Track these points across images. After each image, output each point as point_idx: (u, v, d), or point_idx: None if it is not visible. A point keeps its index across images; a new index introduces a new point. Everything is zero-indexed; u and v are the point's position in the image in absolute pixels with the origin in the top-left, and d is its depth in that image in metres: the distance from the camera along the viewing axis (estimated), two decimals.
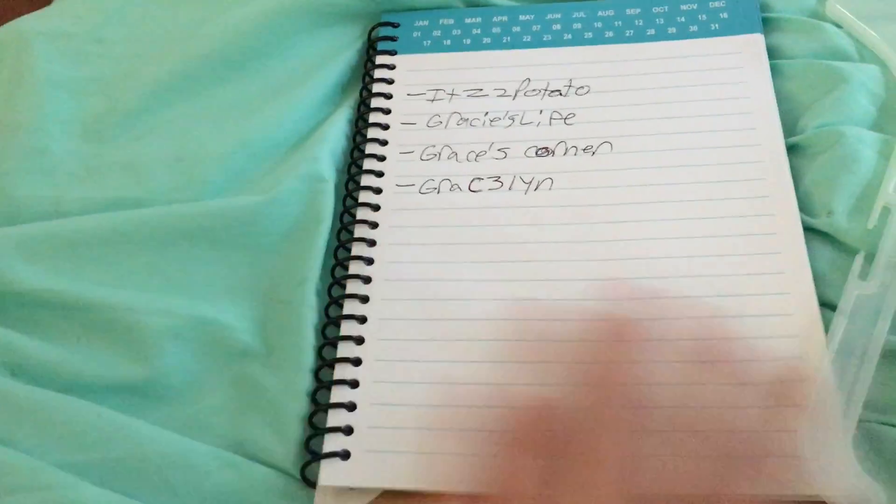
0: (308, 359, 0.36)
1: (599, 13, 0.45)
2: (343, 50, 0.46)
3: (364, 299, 0.37)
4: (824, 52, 0.42)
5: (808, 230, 0.37)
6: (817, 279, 0.35)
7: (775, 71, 0.42)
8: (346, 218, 0.40)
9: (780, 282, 0.35)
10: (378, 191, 0.40)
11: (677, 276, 0.36)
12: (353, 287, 0.38)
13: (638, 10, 0.45)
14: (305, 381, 0.35)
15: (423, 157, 0.41)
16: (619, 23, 0.44)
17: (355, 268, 0.38)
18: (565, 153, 0.41)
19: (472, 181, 0.40)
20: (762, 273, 0.36)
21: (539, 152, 0.41)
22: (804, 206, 0.37)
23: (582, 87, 0.43)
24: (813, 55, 0.42)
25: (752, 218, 0.37)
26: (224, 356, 0.36)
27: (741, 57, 0.42)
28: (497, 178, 0.40)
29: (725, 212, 0.37)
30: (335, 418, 0.34)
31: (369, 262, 0.38)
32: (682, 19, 0.44)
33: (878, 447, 0.31)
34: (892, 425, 0.32)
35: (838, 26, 0.42)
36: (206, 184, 0.41)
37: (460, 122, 0.42)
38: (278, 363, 0.36)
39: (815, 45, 0.42)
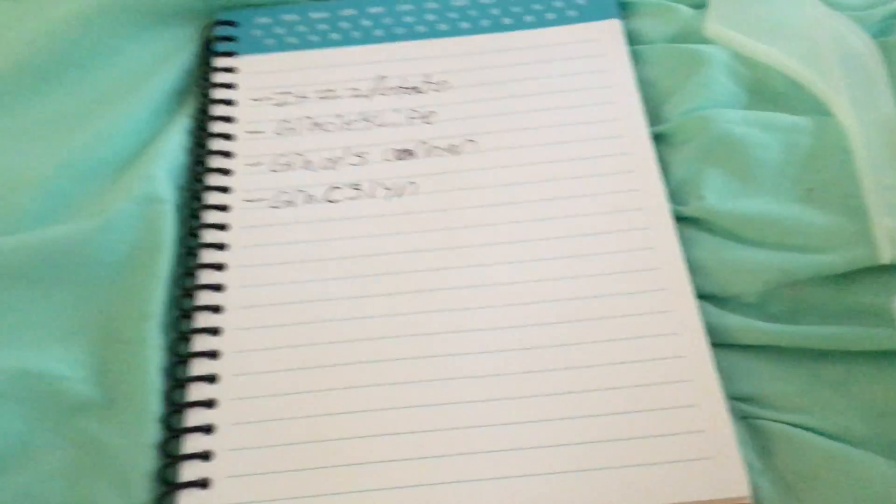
0: (154, 406, 0.31)
1: (453, 3, 0.43)
2: (175, 53, 0.41)
3: (215, 331, 0.33)
4: (682, 35, 0.41)
5: (682, 220, 0.35)
6: (694, 270, 0.34)
7: (635, 57, 0.40)
8: (191, 241, 0.36)
9: (654, 278, 0.34)
10: (225, 208, 0.37)
11: (548, 279, 0.34)
12: (202, 319, 0.34)
13: (493, 0, 0.42)
14: (152, 432, 0.31)
15: (273, 168, 0.38)
16: (475, 12, 0.42)
17: (204, 297, 0.34)
18: (428, 154, 0.38)
19: (329, 191, 0.37)
20: (636, 270, 0.34)
21: (400, 155, 0.38)
22: (675, 197, 0.36)
23: (440, 82, 0.40)
24: (671, 38, 0.41)
25: (621, 213, 0.36)
26: (57, 412, 0.32)
27: (600, 44, 0.41)
28: (356, 186, 0.37)
29: (594, 208, 0.36)
30: (190, 471, 0.30)
31: (219, 288, 0.34)
32: (539, 6, 0.42)
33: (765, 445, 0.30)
34: (780, 421, 0.31)
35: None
36: (23, 213, 0.36)
37: (312, 127, 0.39)
38: (120, 414, 0.31)
39: (673, 28, 0.41)
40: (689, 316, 0.33)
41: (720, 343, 0.32)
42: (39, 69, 0.40)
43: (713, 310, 0.33)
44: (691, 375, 0.31)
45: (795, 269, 0.33)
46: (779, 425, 0.30)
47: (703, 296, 0.33)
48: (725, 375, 0.31)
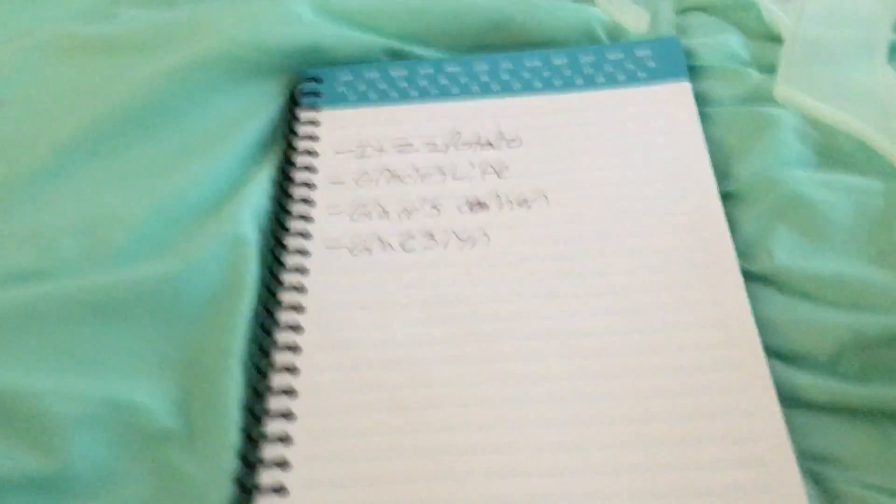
0: (232, 438, 0.33)
1: (526, 63, 0.44)
2: (264, 106, 0.43)
3: (293, 370, 0.35)
4: (751, 98, 0.42)
5: (751, 277, 0.36)
6: (764, 327, 0.34)
7: (704, 118, 0.41)
8: (272, 283, 0.37)
9: (723, 334, 0.34)
10: (305, 252, 0.38)
11: (617, 332, 0.34)
12: (280, 358, 0.35)
13: (565, 61, 0.44)
14: (230, 464, 0.32)
15: (352, 217, 0.39)
16: (548, 73, 0.44)
17: (283, 337, 0.36)
18: (500, 207, 0.39)
19: (404, 240, 0.38)
20: (704, 325, 0.34)
21: (473, 207, 0.39)
22: (744, 255, 0.36)
23: (513, 138, 0.42)
24: (739, 101, 0.42)
25: (689, 269, 0.36)
26: (141, 442, 0.33)
27: (670, 105, 0.42)
28: (431, 236, 0.38)
29: (662, 264, 0.36)
30: (264, 503, 0.31)
31: (298, 329, 0.36)
32: (610, 68, 0.44)
33: None
34: (852, 483, 0.30)
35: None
36: (117, 252, 0.38)
37: (390, 178, 0.41)
38: (201, 445, 0.33)
39: (742, 90, 0.42)
40: (758, 372, 0.33)
41: (790, 401, 0.32)
42: (138, 118, 0.42)
43: (782, 368, 0.33)
44: (761, 432, 0.31)
45: (868, 330, 0.33)
46: (852, 487, 0.30)
47: (772, 353, 0.34)
48: (796, 434, 0.31)
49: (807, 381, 0.33)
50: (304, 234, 0.39)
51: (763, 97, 0.42)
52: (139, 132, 0.42)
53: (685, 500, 0.30)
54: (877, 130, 0.39)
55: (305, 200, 0.40)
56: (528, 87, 0.43)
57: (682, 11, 0.46)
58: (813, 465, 0.31)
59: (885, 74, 0.41)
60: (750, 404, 0.32)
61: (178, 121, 0.43)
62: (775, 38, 0.44)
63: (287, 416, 0.33)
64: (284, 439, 0.33)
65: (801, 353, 0.34)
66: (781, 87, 0.41)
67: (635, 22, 0.45)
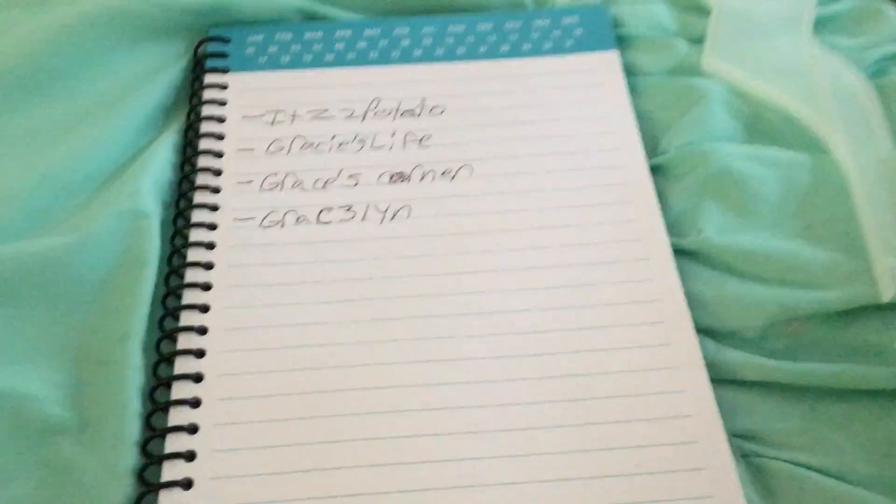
0: (132, 430, 0.30)
1: (450, 28, 0.42)
2: (165, 68, 0.40)
3: (199, 354, 0.32)
4: (679, 69, 0.41)
5: (680, 253, 0.35)
6: (693, 303, 0.33)
7: (632, 89, 0.40)
8: (176, 259, 0.34)
9: (653, 311, 0.33)
10: (213, 227, 0.35)
11: (543, 309, 0.33)
12: (185, 341, 0.32)
13: (490, 26, 0.42)
14: (130, 458, 0.29)
15: (263, 187, 0.37)
16: (472, 39, 0.42)
17: (188, 318, 0.33)
18: (422, 178, 0.37)
19: (320, 212, 0.36)
20: (634, 302, 0.33)
21: (393, 178, 0.37)
22: (673, 230, 0.36)
23: (436, 106, 0.39)
24: (667, 72, 0.41)
25: (619, 243, 0.35)
26: (27, 435, 0.30)
27: (598, 75, 0.41)
28: (349, 208, 0.36)
29: (591, 238, 0.35)
30: (168, 499, 0.29)
31: (204, 309, 0.33)
32: (536, 36, 0.42)
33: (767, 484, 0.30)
34: (781, 460, 0.30)
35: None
36: (1, 227, 0.34)
37: (304, 146, 0.38)
38: (96, 438, 0.30)
39: (670, 61, 0.41)
40: (689, 350, 0.32)
41: (720, 378, 0.32)
42: (23, 80, 0.39)
43: (712, 344, 0.33)
44: (692, 411, 0.31)
45: (796, 306, 0.33)
46: (780, 463, 0.30)
47: (702, 330, 0.33)
48: (725, 412, 0.31)
49: (736, 358, 0.32)
50: (211, 207, 0.36)
51: (691, 69, 0.41)
52: (25, 97, 0.38)
53: (616, 480, 0.29)
54: (803, 104, 0.38)
55: (212, 170, 0.37)
56: (451, 54, 0.41)
57: None
58: (742, 444, 0.30)
59: (810, 47, 0.40)
60: (681, 382, 0.31)
61: (70, 83, 0.39)
62: (703, 9, 0.43)
63: (193, 403, 0.31)
64: (190, 429, 0.30)
65: (730, 329, 0.33)
66: (709, 59, 0.40)
67: None
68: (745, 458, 0.30)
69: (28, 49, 0.39)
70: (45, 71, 0.39)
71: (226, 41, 0.41)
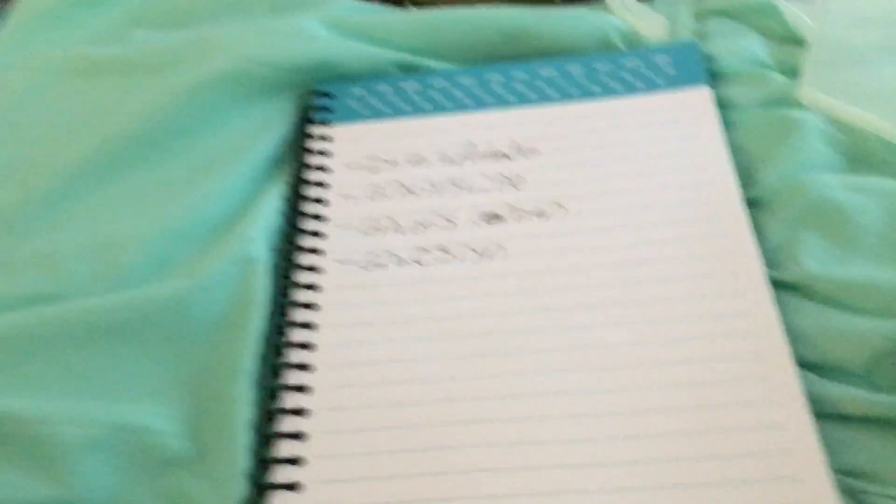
0: (241, 462, 0.32)
1: (541, 73, 0.43)
2: (275, 123, 0.43)
3: (304, 389, 0.34)
4: (772, 101, 0.41)
5: (780, 286, 0.34)
6: (794, 337, 0.33)
7: (726, 123, 0.40)
8: (282, 300, 0.36)
9: (750, 344, 0.33)
10: (316, 269, 0.37)
11: (641, 344, 0.33)
12: (291, 377, 0.34)
13: (581, 69, 0.43)
14: (240, 488, 0.31)
15: (365, 232, 0.38)
16: (563, 82, 0.43)
17: (294, 355, 0.35)
18: (516, 218, 0.38)
19: (419, 254, 0.37)
20: (730, 335, 0.33)
21: (488, 219, 0.38)
22: (771, 263, 0.35)
23: (529, 149, 0.41)
24: (762, 105, 0.41)
25: (714, 277, 0.35)
26: (150, 466, 0.32)
27: (690, 111, 0.41)
28: (445, 249, 0.37)
29: (686, 273, 0.35)
30: None
31: (309, 347, 0.35)
32: (627, 76, 0.42)
33: None
34: (889, 497, 0.29)
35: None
36: (128, 272, 0.37)
37: (403, 192, 0.40)
38: (210, 469, 0.32)
39: (765, 94, 0.41)
40: (789, 384, 0.31)
41: (825, 414, 0.31)
42: (147, 139, 0.42)
43: (816, 379, 0.32)
44: (793, 447, 0.30)
45: None
46: (889, 501, 0.29)
47: (805, 364, 0.32)
48: (830, 448, 0.30)
49: (841, 393, 0.31)
50: (316, 251, 0.38)
51: (787, 101, 0.40)
52: (151, 153, 0.42)
53: None
54: None
55: (316, 216, 0.39)
56: (543, 98, 0.42)
57: (702, 16, 0.45)
58: (848, 481, 0.29)
59: None
60: (781, 418, 0.31)
61: (190, 140, 0.42)
62: (797, 41, 0.42)
63: (298, 436, 0.32)
64: (295, 461, 0.32)
65: (833, 363, 0.32)
66: (806, 90, 0.40)
67: (653, 28, 0.44)
68: (851, 496, 0.29)
69: (154, 110, 0.43)
70: (167, 130, 0.42)
71: (330, 95, 0.44)
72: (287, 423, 0.33)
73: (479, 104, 0.43)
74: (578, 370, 0.33)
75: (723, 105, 0.41)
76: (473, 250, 0.37)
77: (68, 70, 0.46)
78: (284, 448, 0.32)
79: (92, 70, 0.46)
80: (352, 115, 0.43)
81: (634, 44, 0.44)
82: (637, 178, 0.39)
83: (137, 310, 0.36)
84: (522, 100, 0.42)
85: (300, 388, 0.34)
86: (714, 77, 0.42)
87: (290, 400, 0.33)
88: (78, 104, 0.45)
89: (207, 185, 0.40)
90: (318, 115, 0.43)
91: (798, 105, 0.40)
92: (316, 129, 0.43)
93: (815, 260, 0.34)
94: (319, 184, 0.41)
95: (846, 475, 0.30)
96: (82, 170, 0.41)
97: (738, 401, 0.31)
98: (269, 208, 0.39)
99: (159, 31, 0.49)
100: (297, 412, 0.33)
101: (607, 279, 0.35)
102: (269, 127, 0.43)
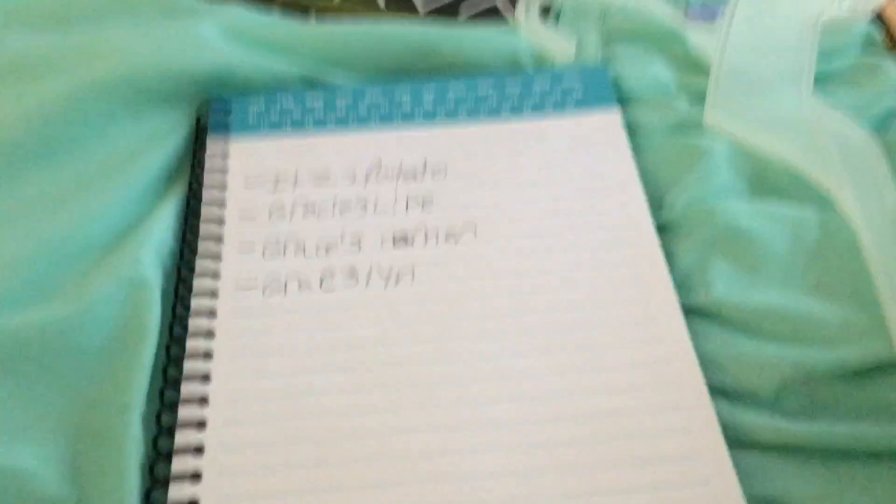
0: None
1: (451, 91, 0.42)
2: (166, 135, 0.40)
3: (200, 425, 0.31)
4: (679, 125, 0.41)
5: (690, 311, 0.34)
6: (705, 363, 0.33)
7: (634, 148, 0.40)
8: (177, 329, 0.34)
9: (664, 372, 0.32)
10: (214, 293, 0.35)
11: (552, 372, 0.32)
12: (186, 412, 0.31)
13: (491, 89, 0.42)
14: None
15: (265, 254, 0.36)
16: (473, 101, 0.42)
17: (189, 388, 0.32)
18: (426, 241, 0.37)
19: (323, 278, 0.35)
20: (644, 363, 0.33)
21: (397, 241, 0.37)
22: (682, 288, 0.35)
23: (438, 169, 0.39)
24: (669, 130, 0.41)
25: (627, 303, 0.34)
26: None
27: (600, 133, 0.41)
28: (352, 273, 0.36)
29: (597, 298, 0.35)
30: None
31: (206, 379, 0.32)
32: (537, 97, 0.42)
33: None
34: None
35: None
36: (1, 296, 0.34)
37: (307, 211, 0.38)
38: None
39: (671, 119, 0.41)
40: (703, 412, 0.31)
41: (736, 441, 0.31)
42: (27, 148, 0.39)
43: (727, 406, 0.32)
44: (708, 476, 0.30)
45: (811, 364, 0.32)
46: None
47: (715, 390, 0.32)
48: (744, 475, 0.30)
49: (752, 420, 0.31)
50: (213, 274, 0.35)
51: (693, 126, 0.41)
52: (27, 164, 0.38)
53: None
54: (808, 159, 0.38)
55: (214, 237, 0.37)
56: (452, 116, 0.41)
57: (608, 40, 0.45)
58: None
59: (811, 104, 0.40)
60: (696, 446, 0.30)
61: (72, 152, 0.39)
62: (702, 67, 0.43)
63: (194, 477, 0.30)
64: None
65: (744, 389, 0.32)
66: (711, 116, 0.40)
67: (561, 51, 0.44)
68: None
69: (32, 118, 0.39)
70: (48, 140, 0.39)
71: (227, 107, 0.41)
72: (181, 463, 0.30)
73: (386, 121, 0.41)
74: (488, 399, 0.32)
75: (630, 128, 0.41)
76: (380, 274, 0.36)
77: None
78: (178, 490, 0.29)
79: None
80: (251, 129, 0.41)
81: (543, 65, 0.44)
82: (549, 200, 0.38)
83: (12, 340, 0.32)
84: (431, 117, 0.41)
85: (196, 424, 0.31)
86: (621, 101, 0.42)
87: (185, 437, 0.31)
88: None
89: (90, 200, 0.37)
90: (214, 129, 0.41)
91: (704, 130, 0.40)
92: (212, 144, 0.40)
93: (724, 285, 0.35)
94: (216, 202, 0.38)
95: (761, 502, 0.29)
96: None
97: (653, 429, 0.31)
98: (161, 227, 0.37)
99: (35, 32, 0.45)
100: (193, 449, 0.30)
101: (518, 305, 0.35)
102: (159, 139, 0.40)
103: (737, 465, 0.30)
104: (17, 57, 0.43)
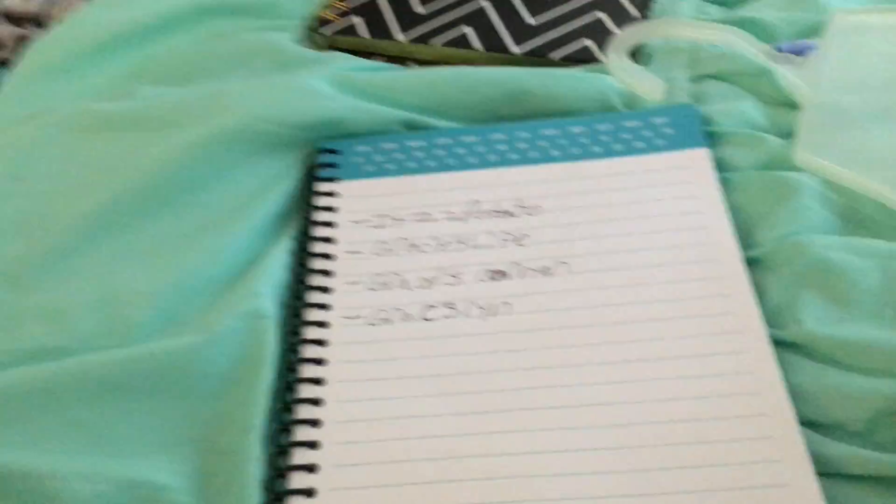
0: None
1: (544, 132, 0.44)
2: (281, 179, 0.44)
3: (313, 445, 0.34)
4: (771, 163, 0.42)
5: (780, 345, 0.35)
6: (795, 396, 0.33)
7: (724, 184, 0.41)
8: (291, 356, 0.37)
9: (754, 403, 0.33)
10: (324, 324, 0.38)
11: (644, 402, 0.34)
12: (301, 433, 0.34)
13: (583, 129, 0.44)
14: None
15: (371, 287, 0.39)
16: (565, 142, 0.44)
17: (303, 411, 0.35)
18: (521, 275, 0.39)
19: (425, 310, 0.38)
20: (734, 394, 0.34)
21: (494, 276, 0.39)
22: (772, 322, 0.36)
23: (532, 206, 0.41)
24: (759, 167, 0.42)
25: (717, 336, 0.35)
26: None
27: (690, 171, 0.42)
28: (451, 305, 0.38)
29: (688, 331, 0.36)
30: None
31: (317, 403, 0.35)
32: (628, 136, 0.44)
33: None
34: None
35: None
36: (136, 327, 0.37)
37: (409, 248, 0.40)
38: None
39: (761, 156, 0.42)
40: (792, 442, 0.32)
41: (826, 472, 0.31)
42: (155, 193, 0.43)
43: (817, 438, 0.32)
44: None
45: None
46: None
47: (805, 423, 0.33)
48: None
49: (842, 452, 0.32)
50: (323, 306, 0.38)
51: (783, 163, 0.41)
52: (158, 208, 0.42)
53: None
54: None
55: (323, 272, 0.40)
56: (545, 157, 0.43)
57: (697, 79, 0.47)
58: None
59: None
60: (786, 477, 0.31)
61: (198, 196, 0.43)
62: (791, 104, 0.44)
63: (308, 493, 0.32)
64: None
65: (834, 422, 0.33)
66: (801, 152, 0.41)
67: (651, 90, 0.46)
68: None
69: (162, 165, 0.43)
70: (175, 185, 0.43)
71: (336, 152, 0.45)
72: (297, 480, 0.33)
73: (483, 162, 0.44)
74: (582, 427, 0.33)
75: (720, 166, 0.42)
76: (479, 307, 0.38)
77: (75, 124, 0.47)
78: None
79: (99, 125, 0.47)
80: (357, 173, 0.44)
81: (633, 105, 0.46)
82: (639, 236, 0.39)
83: (146, 365, 0.36)
84: (525, 158, 0.43)
85: (309, 444, 0.34)
86: (711, 139, 0.43)
87: (300, 456, 0.33)
88: (85, 159, 0.45)
89: (215, 240, 0.41)
90: (323, 172, 0.44)
91: (794, 167, 0.41)
92: (322, 186, 0.43)
93: (814, 319, 0.35)
94: (325, 239, 0.41)
95: None
96: (90, 224, 0.42)
97: (744, 461, 0.32)
98: (276, 263, 0.40)
99: (163, 86, 0.50)
100: (307, 468, 0.33)
101: (611, 337, 0.36)
102: (275, 183, 0.43)
103: (827, 495, 0.30)
104: (150, 108, 0.48)
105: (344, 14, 0.53)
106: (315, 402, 0.35)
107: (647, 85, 0.46)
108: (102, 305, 0.38)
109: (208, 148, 0.44)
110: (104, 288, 0.39)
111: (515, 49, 0.50)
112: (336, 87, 0.47)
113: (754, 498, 0.31)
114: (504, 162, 0.43)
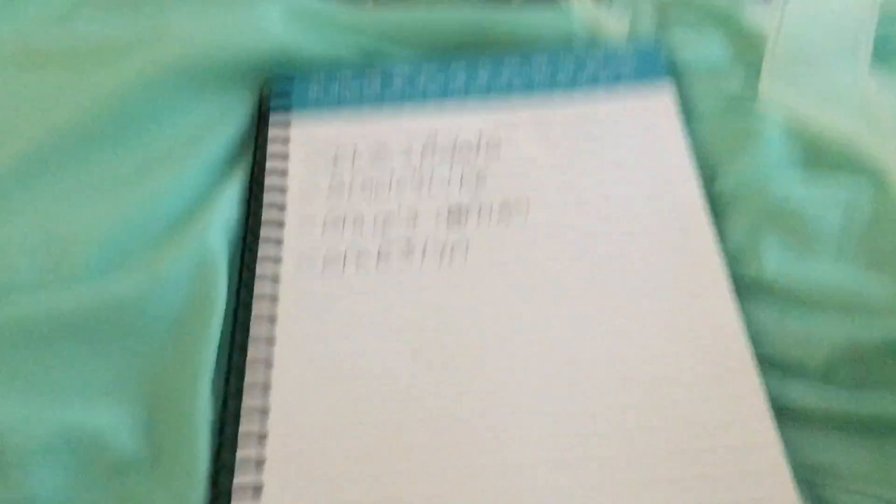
0: (202, 464, 0.31)
1: (506, 68, 0.43)
2: (232, 114, 0.42)
3: (266, 387, 0.33)
4: (735, 98, 0.41)
5: (740, 285, 0.35)
6: (755, 336, 0.33)
7: (687, 121, 0.40)
8: (243, 294, 0.36)
9: (712, 343, 0.33)
10: (277, 260, 0.36)
11: (601, 343, 0.33)
12: (252, 375, 0.33)
13: (545, 65, 0.43)
14: (200, 492, 0.30)
15: (325, 223, 0.38)
16: (527, 77, 0.42)
17: (255, 351, 0.34)
18: (480, 216, 0.38)
19: (380, 248, 0.37)
20: (692, 333, 0.33)
21: (452, 216, 0.38)
22: (732, 262, 0.35)
23: (493, 144, 0.40)
24: (724, 102, 0.41)
25: (676, 276, 0.35)
26: (104, 470, 0.31)
27: (652, 107, 0.41)
28: (408, 245, 0.37)
29: (647, 271, 0.35)
30: None
31: (271, 342, 0.34)
32: (591, 73, 0.42)
33: None
34: (850, 491, 0.29)
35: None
36: (78, 267, 0.36)
37: (365, 186, 0.39)
38: (168, 473, 0.31)
39: (725, 91, 0.41)
40: (748, 382, 0.32)
41: (784, 412, 0.31)
42: (100, 129, 0.40)
43: (776, 377, 0.32)
44: (753, 443, 0.30)
45: (862, 338, 0.32)
46: (848, 496, 0.29)
47: (764, 362, 0.32)
48: (791, 445, 0.30)
49: (800, 392, 0.32)
50: (276, 241, 0.37)
51: (748, 99, 0.41)
52: (101, 144, 0.40)
53: None
54: (864, 132, 0.38)
55: (276, 206, 0.38)
56: (506, 93, 0.42)
57: (663, 15, 0.45)
58: (809, 476, 0.30)
59: (868, 76, 0.40)
60: (742, 416, 0.31)
61: (143, 132, 0.41)
62: (758, 42, 0.43)
63: (260, 437, 0.32)
64: (257, 462, 0.31)
65: (794, 362, 0.33)
66: (766, 87, 0.40)
67: (615, 26, 0.44)
68: (811, 491, 0.30)
69: (103, 101, 0.41)
70: (121, 120, 0.41)
71: (289, 83, 0.43)
72: (249, 424, 0.32)
73: (442, 97, 0.42)
74: (541, 373, 0.33)
75: (684, 101, 0.41)
76: (436, 249, 0.37)
77: (9, 59, 0.44)
78: (246, 450, 0.31)
79: (37, 59, 0.44)
80: (311, 106, 0.42)
81: (597, 41, 0.44)
82: (600, 173, 0.39)
83: (90, 308, 0.34)
84: (485, 94, 0.42)
85: (262, 386, 0.33)
86: (676, 73, 0.42)
87: (251, 399, 0.33)
88: (22, 94, 0.42)
89: (161, 177, 0.39)
90: (276, 106, 0.42)
91: (758, 103, 0.40)
92: (275, 118, 0.42)
93: (775, 259, 0.35)
94: (278, 173, 0.40)
95: (807, 470, 0.30)
96: (27, 162, 0.39)
97: (702, 400, 0.31)
98: (228, 200, 0.38)
99: (106, 14, 0.47)
100: (259, 411, 0.32)
101: (570, 279, 0.35)
102: (225, 118, 0.42)
103: (784, 435, 0.31)
104: (87, 42, 0.45)
105: None
106: (268, 341, 0.34)
107: (611, 20, 0.44)
108: (42, 247, 0.36)
109: (152, 83, 0.41)
110: (44, 229, 0.37)
111: None
112: (289, 18, 0.44)
113: (711, 435, 0.31)
114: (465, 97, 0.42)
